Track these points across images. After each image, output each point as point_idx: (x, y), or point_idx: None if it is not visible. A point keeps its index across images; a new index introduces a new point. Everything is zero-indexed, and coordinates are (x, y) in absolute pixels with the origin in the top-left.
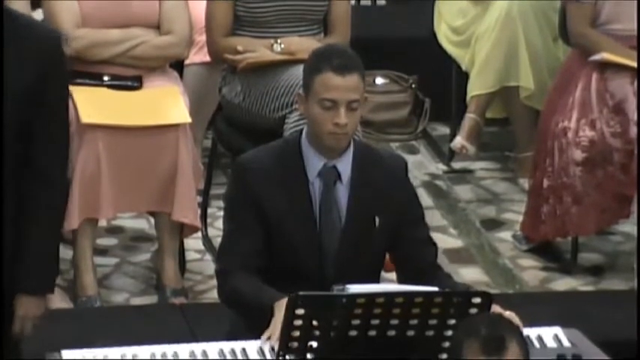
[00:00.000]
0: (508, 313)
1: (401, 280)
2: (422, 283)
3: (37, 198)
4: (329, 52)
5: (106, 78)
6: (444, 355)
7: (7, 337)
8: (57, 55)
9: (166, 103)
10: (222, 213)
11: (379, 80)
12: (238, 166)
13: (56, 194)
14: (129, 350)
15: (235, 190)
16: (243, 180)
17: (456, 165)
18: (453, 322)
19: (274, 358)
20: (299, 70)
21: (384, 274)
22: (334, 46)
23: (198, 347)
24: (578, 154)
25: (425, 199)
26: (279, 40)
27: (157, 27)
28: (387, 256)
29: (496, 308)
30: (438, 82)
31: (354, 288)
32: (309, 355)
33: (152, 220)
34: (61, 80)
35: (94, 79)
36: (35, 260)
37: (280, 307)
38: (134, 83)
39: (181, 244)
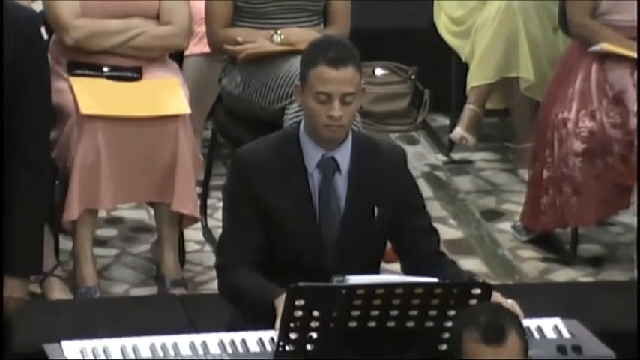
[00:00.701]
0: (510, 302)
1: (405, 270)
2: (426, 272)
3: (17, 180)
4: (325, 44)
5: (105, 69)
6: (444, 346)
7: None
8: (33, 37)
9: (166, 94)
10: (222, 204)
11: (379, 71)
12: (237, 158)
13: (37, 176)
14: (128, 341)
15: (234, 183)
16: (242, 172)
17: (456, 156)
18: (452, 312)
19: (274, 348)
20: (298, 61)
21: (384, 264)
22: (331, 38)
23: (197, 338)
24: (578, 145)
25: (424, 190)
26: (278, 31)
27: (157, 17)
28: (388, 246)
29: (497, 296)
30: (438, 73)
31: (354, 279)
32: (308, 346)
33: (152, 211)
34: (38, 62)
35: (93, 69)
36: (19, 242)
37: (281, 304)
38: (134, 74)
39: (181, 235)
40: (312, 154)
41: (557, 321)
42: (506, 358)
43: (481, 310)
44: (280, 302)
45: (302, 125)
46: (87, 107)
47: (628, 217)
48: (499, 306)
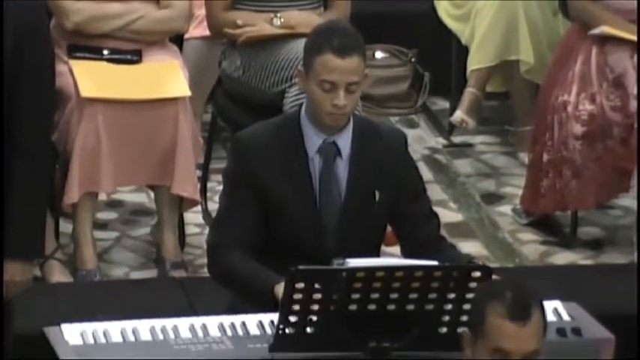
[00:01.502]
0: None
1: (405, 254)
2: (426, 257)
3: (16, 169)
4: (330, 31)
5: (105, 52)
6: (444, 329)
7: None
8: (35, 25)
9: (166, 77)
10: (222, 187)
11: (379, 54)
12: (237, 142)
13: (35, 164)
14: (128, 324)
15: (234, 167)
16: (242, 156)
17: (456, 139)
18: (452, 296)
19: (274, 331)
20: (299, 44)
21: (384, 248)
22: (336, 25)
23: (197, 321)
24: (578, 128)
25: (425, 173)
26: (278, 14)
27: (157, 1)
28: (388, 230)
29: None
30: (438, 56)
31: (354, 262)
32: (308, 329)
33: (152, 193)
34: (39, 51)
35: (93, 52)
36: (19, 226)
37: (281, 290)
38: (134, 57)
39: (181, 217)
40: (313, 139)
41: (557, 304)
42: (528, 336)
43: (506, 286)
44: (280, 288)
45: (303, 110)
46: (87, 90)
47: (628, 200)
48: (523, 283)
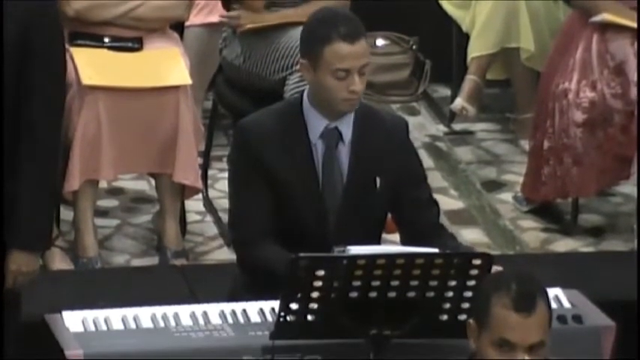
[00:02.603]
0: None
1: (404, 242)
2: (425, 244)
3: (25, 153)
4: (333, 19)
5: (106, 39)
6: (444, 317)
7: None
8: (43, 8)
9: (167, 65)
10: (223, 175)
11: (380, 42)
12: (240, 129)
13: (45, 149)
14: (129, 311)
15: (238, 154)
16: (246, 143)
17: (457, 126)
18: (453, 283)
19: (275, 319)
20: (299, 32)
21: (385, 235)
22: (336, 13)
23: (198, 308)
24: (579, 116)
25: (425, 160)
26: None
27: None
28: (388, 217)
29: (497, 269)
30: (439, 43)
31: (355, 249)
32: (309, 316)
33: (153, 181)
34: (49, 33)
35: (94, 40)
36: (26, 216)
37: None
38: (134, 45)
39: (182, 205)
40: (316, 125)
41: (557, 291)
42: (533, 327)
43: (511, 277)
44: None
45: (305, 96)
46: (88, 78)
47: (628, 188)
48: (528, 274)
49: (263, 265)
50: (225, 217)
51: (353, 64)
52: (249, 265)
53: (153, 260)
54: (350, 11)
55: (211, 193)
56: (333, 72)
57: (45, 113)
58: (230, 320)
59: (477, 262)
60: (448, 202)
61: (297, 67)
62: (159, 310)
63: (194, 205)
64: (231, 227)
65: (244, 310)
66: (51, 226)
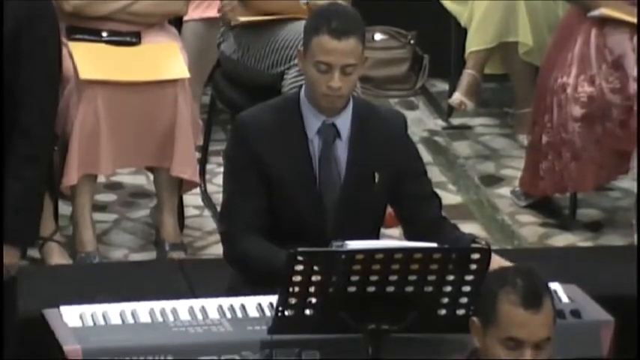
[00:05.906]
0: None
1: (407, 236)
2: (428, 238)
3: (14, 151)
4: (329, 13)
5: (104, 34)
6: (443, 311)
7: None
8: (39, 8)
9: (165, 59)
10: (221, 169)
11: (378, 36)
12: (237, 124)
13: (34, 146)
14: (128, 306)
15: (235, 149)
16: (243, 138)
17: (455, 121)
18: (451, 278)
19: (273, 314)
20: (297, 26)
21: (383, 230)
22: (335, 7)
23: (196, 303)
24: (577, 110)
25: (424, 155)
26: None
27: None
28: (388, 212)
29: (495, 258)
30: (437, 38)
31: (353, 244)
32: (307, 311)
33: (151, 175)
34: (41, 34)
35: (92, 34)
36: (11, 211)
37: None
38: (133, 39)
39: (180, 200)
40: (313, 121)
41: (556, 286)
42: (540, 324)
43: (516, 274)
44: None
45: (302, 91)
46: (86, 72)
47: (627, 182)
48: (534, 271)
49: (245, 260)
50: None
51: (335, 61)
52: (232, 259)
53: (151, 255)
54: (353, 9)
55: (209, 187)
56: (315, 63)
57: (36, 112)
58: (228, 315)
59: (475, 256)
60: (446, 196)
61: (295, 61)
62: (157, 305)
63: (192, 199)
64: (220, 220)
65: (242, 305)
66: (37, 223)
